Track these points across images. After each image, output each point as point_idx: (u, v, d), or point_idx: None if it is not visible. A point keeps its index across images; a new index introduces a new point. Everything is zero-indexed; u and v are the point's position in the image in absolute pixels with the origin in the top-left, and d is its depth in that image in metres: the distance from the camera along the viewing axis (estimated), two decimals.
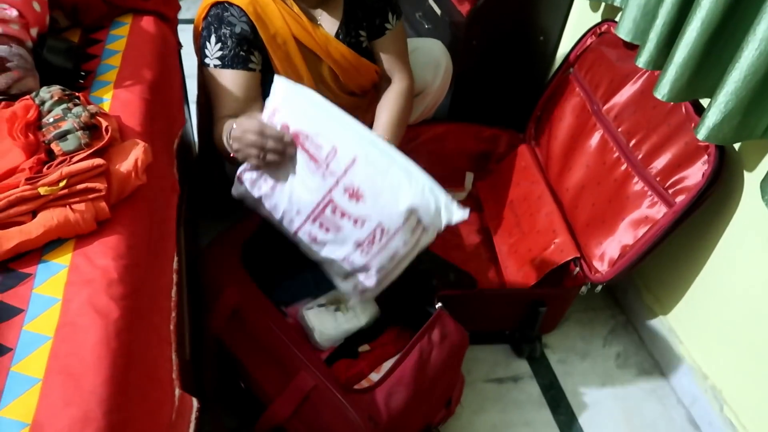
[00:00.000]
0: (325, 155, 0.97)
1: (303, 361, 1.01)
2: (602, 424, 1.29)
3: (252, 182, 1.08)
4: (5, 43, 0.91)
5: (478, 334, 1.31)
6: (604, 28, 1.50)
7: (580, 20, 1.68)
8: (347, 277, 1.08)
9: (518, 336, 1.39)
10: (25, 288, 0.72)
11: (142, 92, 1.03)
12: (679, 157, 1.21)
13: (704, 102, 1.20)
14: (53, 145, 0.80)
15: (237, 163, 1.10)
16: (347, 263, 1.05)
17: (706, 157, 1.15)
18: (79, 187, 0.77)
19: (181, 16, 1.38)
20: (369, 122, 1.37)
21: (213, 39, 1.21)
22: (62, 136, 0.80)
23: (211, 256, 1.18)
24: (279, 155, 0.99)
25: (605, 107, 1.43)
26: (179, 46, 1.37)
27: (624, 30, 1.25)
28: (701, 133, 1.03)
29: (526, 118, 1.71)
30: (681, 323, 1.37)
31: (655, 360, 1.43)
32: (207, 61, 1.22)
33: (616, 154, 1.36)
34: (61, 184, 0.76)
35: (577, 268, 1.36)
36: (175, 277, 0.91)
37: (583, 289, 1.32)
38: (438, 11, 1.86)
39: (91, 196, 0.77)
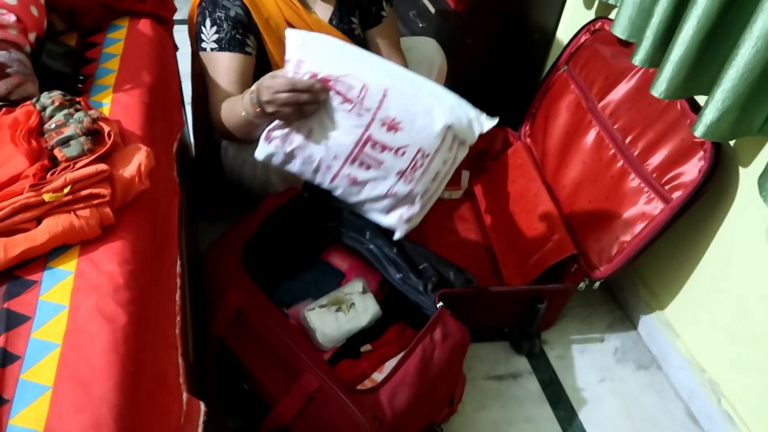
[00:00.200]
0: (358, 93, 0.98)
1: (306, 362, 1.01)
2: (602, 418, 1.30)
3: (283, 137, 1.05)
4: (4, 48, 0.90)
5: (478, 332, 1.32)
6: (598, 25, 1.51)
7: (574, 18, 1.69)
8: (390, 211, 1.11)
9: (517, 333, 1.40)
10: (31, 295, 0.72)
11: (141, 95, 1.03)
12: (675, 153, 1.22)
13: (699, 99, 1.21)
14: (56, 151, 0.80)
15: (240, 141, 1.14)
16: (391, 196, 1.07)
17: (702, 153, 1.16)
18: (84, 193, 0.77)
19: (175, 17, 1.38)
20: None
21: (208, 23, 1.21)
22: (65, 142, 0.80)
23: (212, 257, 1.18)
24: (315, 104, 0.99)
25: (601, 104, 1.44)
26: (175, 48, 1.37)
27: (620, 28, 1.25)
28: (699, 131, 1.04)
29: (521, 115, 1.71)
30: (678, 318, 1.38)
31: (652, 354, 1.44)
32: (203, 45, 1.22)
33: (612, 151, 1.37)
34: (66, 191, 0.76)
35: (576, 265, 1.37)
36: (178, 280, 0.92)
37: (582, 285, 1.33)
38: (432, 9, 1.86)
39: (95, 202, 0.77)
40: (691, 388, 1.33)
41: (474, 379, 1.34)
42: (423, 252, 1.26)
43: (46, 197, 0.75)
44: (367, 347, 1.20)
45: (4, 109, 0.88)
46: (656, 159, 1.26)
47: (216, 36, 1.21)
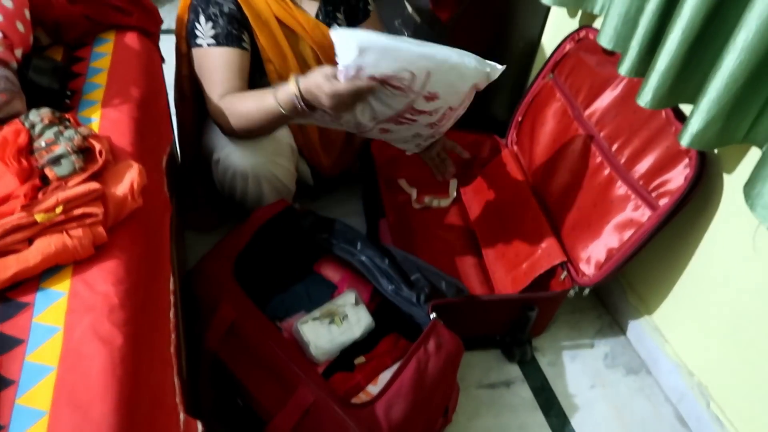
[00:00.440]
0: (408, 83, 1.06)
1: (301, 376, 1.01)
2: (594, 424, 1.31)
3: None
4: None
5: (469, 340, 1.32)
6: (582, 34, 1.53)
7: (559, 26, 1.71)
8: (408, 141, 1.29)
9: (509, 340, 1.41)
10: (24, 317, 0.71)
11: (130, 111, 1.02)
12: (661, 160, 1.24)
13: (683, 107, 1.23)
14: (47, 170, 0.79)
15: (247, 137, 1.23)
16: (416, 137, 1.24)
17: (687, 160, 1.18)
18: (76, 212, 0.76)
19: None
20: None
21: (203, 19, 1.21)
22: (56, 161, 0.79)
23: (204, 271, 1.18)
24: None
25: (586, 112, 1.45)
26: (162, 60, 1.36)
27: (605, 38, 1.27)
28: (685, 140, 1.06)
29: (507, 123, 1.73)
30: (666, 322, 1.40)
31: (641, 359, 1.46)
32: (199, 41, 1.22)
33: (599, 159, 1.39)
34: (58, 210, 0.75)
35: (565, 272, 1.38)
36: (172, 297, 0.91)
37: (571, 292, 1.34)
38: (417, 19, 1.87)
39: (88, 221, 0.76)
40: (680, 391, 1.34)
41: (467, 388, 1.34)
42: (414, 262, 1.26)
43: (38, 217, 0.74)
44: (360, 359, 1.19)
45: None
46: (642, 166, 1.27)
47: (213, 31, 1.21)
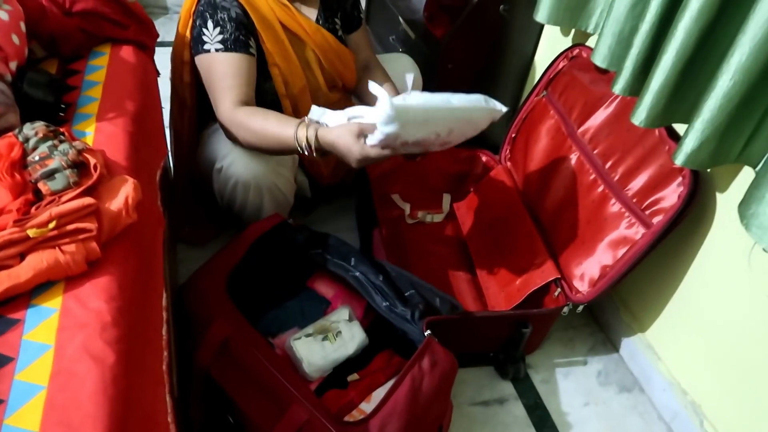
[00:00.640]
0: (432, 140, 1.14)
1: (294, 394, 0.99)
2: None
3: None
4: None
5: (462, 357, 1.31)
6: (575, 52, 1.54)
7: (552, 44, 1.72)
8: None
9: (502, 357, 1.40)
10: (14, 335, 0.70)
11: (125, 125, 1.01)
12: (655, 178, 1.24)
13: (677, 126, 1.24)
14: (40, 185, 0.78)
15: (243, 146, 1.24)
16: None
17: (680, 178, 1.19)
18: (69, 227, 0.75)
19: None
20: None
21: (210, 24, 1.21)
22: (50, 175, 0.78)
23: (196, 287, 1.17)
24: None
25: (580, 130, 1.46)
26: (157, 73, 1.36)
27: (600, 57, 1.28)
28: (679, 159, 1.06)
29: (501, 139, 1.73)
30: (659, 340, 1.40)
31: (635, 376, 1.46)
32: (207, 47, 1.22)
33: (593, 176, 1.40)
34: (51, 226, 0.74)
35: (558, 289, 1.38)
36: (164, 314, 0.90)
37: (565, 309, 1.34)
38: (412, 35, 1.88)
39: (81, 237, 0.75)
40: (673, 409, 1.34)
41: (460, 405, 1.33)
42: (408, 278, 1.25)
43: (31, 233, 0.73)
44: (354, 376, 1.18)
45: None
46: (636, 184, 1.28)
47: (221, 37, 1.21)
